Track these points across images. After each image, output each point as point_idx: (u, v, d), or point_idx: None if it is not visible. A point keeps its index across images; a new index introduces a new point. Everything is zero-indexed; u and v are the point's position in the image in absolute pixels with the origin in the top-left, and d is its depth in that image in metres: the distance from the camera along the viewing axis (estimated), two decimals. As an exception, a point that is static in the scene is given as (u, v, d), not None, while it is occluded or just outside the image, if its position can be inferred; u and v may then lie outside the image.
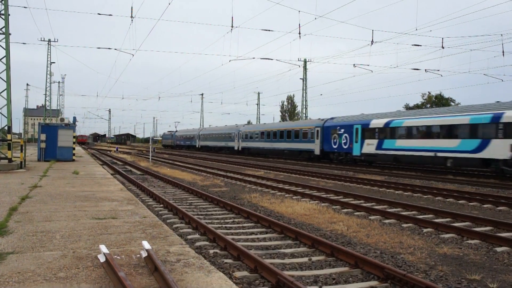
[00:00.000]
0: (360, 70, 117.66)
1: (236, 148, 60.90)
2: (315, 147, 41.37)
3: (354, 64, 45.01)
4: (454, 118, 27.23)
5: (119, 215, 10.23)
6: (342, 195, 17.48)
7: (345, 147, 36.96)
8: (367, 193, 18.23)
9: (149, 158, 45.25)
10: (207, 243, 9.22)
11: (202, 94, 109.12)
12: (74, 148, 33.30)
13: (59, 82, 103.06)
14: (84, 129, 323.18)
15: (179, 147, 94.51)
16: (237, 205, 13.93)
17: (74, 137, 33.01)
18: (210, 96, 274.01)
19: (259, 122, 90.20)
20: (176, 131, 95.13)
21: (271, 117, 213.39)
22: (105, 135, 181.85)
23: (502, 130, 24.05)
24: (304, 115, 64.49)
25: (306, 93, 64.12)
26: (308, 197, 16.80)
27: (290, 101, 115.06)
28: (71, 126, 33.12)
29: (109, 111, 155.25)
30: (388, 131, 32.11)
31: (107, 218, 9.73)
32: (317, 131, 41.02)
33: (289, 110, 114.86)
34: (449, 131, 27.41)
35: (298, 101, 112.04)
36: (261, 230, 10.77)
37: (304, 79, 63.46)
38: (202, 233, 10.11)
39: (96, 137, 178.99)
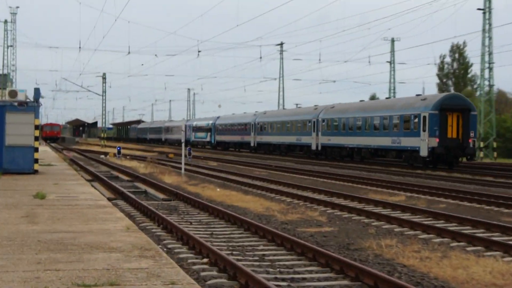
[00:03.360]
0: None
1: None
2: (182, 138, 72.62)
3: None
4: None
5: (124, 278, 5.98)
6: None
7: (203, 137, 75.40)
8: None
9: (181, 169, 26.68)
10: None
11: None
12: (37, 149, 20.49)
13: (5, 22, 62.61)
14: (55, 111, 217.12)
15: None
16: (355, 262, 8.21)
17: (37, 127, 20.54)
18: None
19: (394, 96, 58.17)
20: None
21: (420, 87, 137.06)
22: (95, 123, 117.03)
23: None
24: (485, 83, 38.41)
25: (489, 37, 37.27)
26: (497, 248, 9.71)
27: (457, 53, 69.81)
28: (31, 106, 20.46)
29: (103, 77, 71.79)
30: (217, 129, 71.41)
31: (99, 286, 5.61)
32: (185, 127, 71.67)
33: (454, 73, 70.85)
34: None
35: (471, 51, 73.10)
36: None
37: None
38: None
39: (79, 127, 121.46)
